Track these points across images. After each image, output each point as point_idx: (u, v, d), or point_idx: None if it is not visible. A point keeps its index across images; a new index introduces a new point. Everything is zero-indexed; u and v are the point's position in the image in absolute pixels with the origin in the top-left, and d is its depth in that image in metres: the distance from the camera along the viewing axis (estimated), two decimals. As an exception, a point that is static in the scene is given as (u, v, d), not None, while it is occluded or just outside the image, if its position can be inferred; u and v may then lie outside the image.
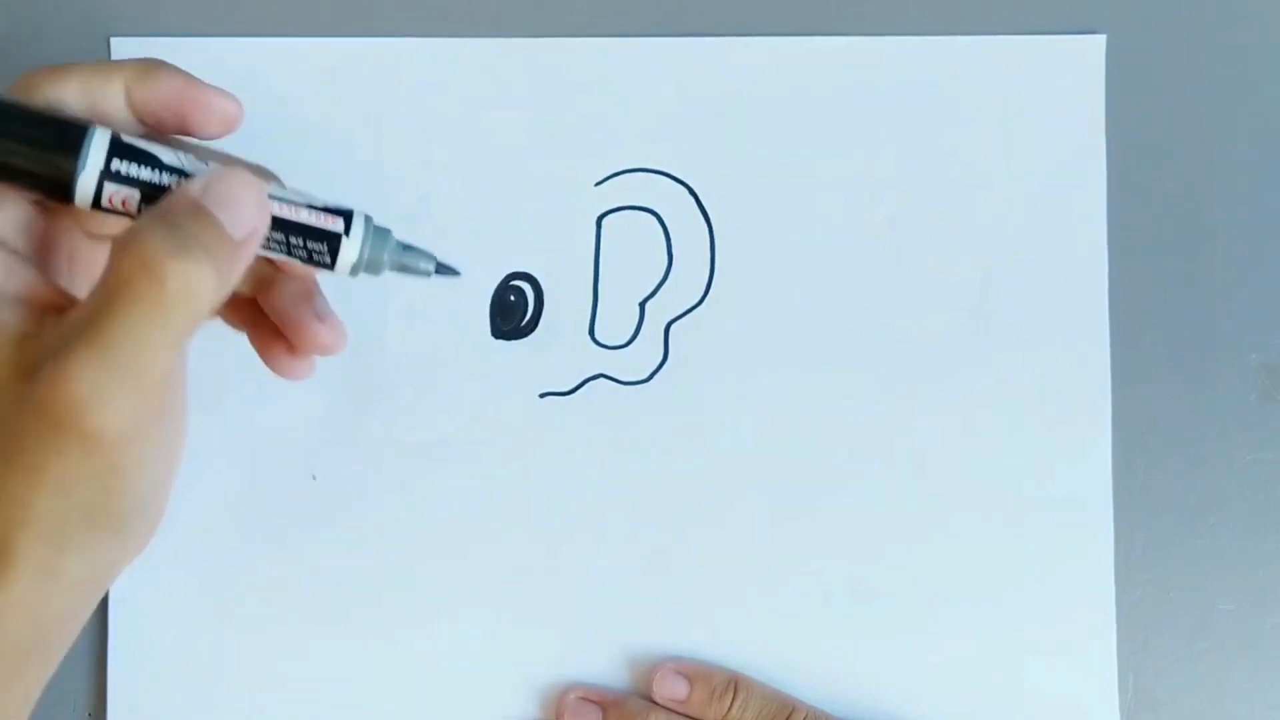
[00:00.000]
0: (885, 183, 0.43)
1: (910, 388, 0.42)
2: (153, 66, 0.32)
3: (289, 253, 0.32)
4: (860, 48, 0.43)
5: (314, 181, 0.42)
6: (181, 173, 0.31)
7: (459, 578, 0.42)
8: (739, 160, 0.43)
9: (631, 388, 0.42)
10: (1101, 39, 0.43)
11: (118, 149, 0.30)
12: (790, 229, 0.43)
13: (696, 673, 0.41)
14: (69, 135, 0.30)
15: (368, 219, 0.33)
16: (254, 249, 0.31)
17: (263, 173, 0.33)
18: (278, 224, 0.32)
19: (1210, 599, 0.42)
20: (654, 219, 0.43)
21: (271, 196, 0.31)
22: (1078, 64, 0.43)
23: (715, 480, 0.42)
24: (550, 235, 0.43)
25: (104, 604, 0.41)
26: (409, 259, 0.34)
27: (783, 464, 0.42)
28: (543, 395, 0.42)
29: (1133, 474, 0.42)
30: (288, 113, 0.42)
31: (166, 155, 0.31)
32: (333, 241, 0.33)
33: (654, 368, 0.43)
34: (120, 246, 0.28)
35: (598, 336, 0.43)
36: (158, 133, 0.33)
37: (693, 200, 0.43)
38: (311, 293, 0.35)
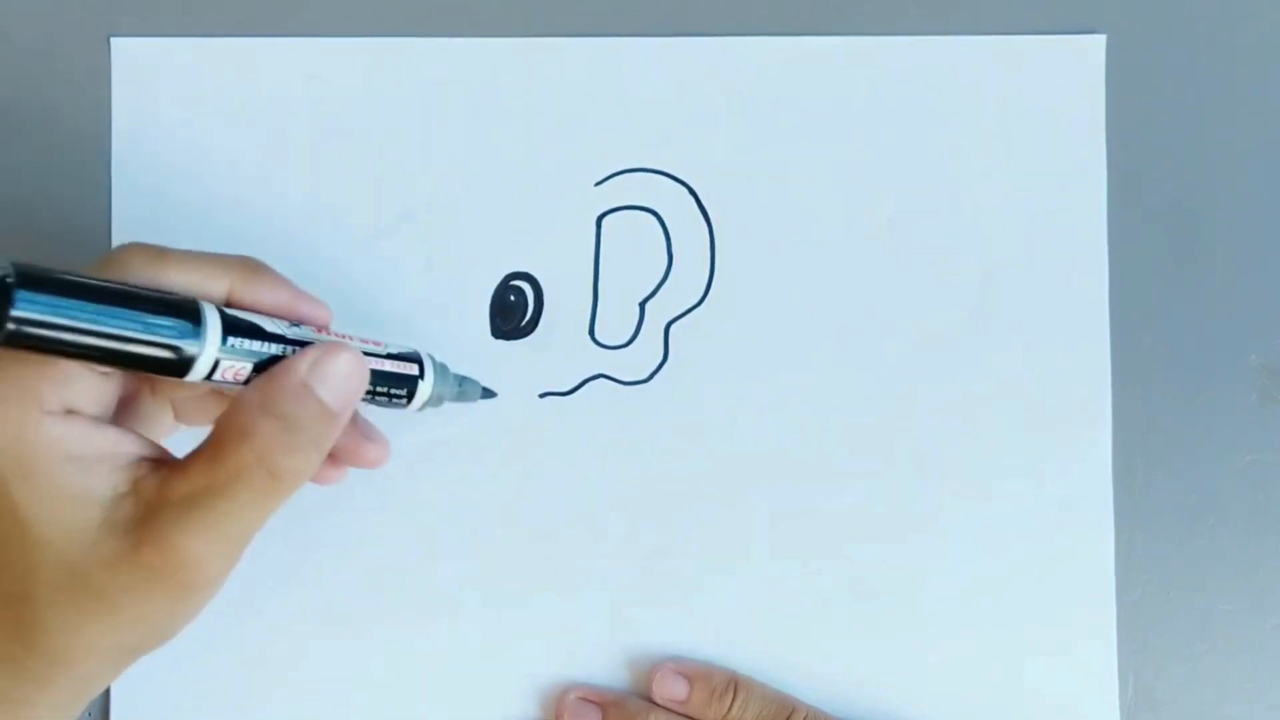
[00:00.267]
0: (885, 183, 0.43)
1: (910, 388, 0.42)
2: (254, 272, 0.33)
3: (372, 399, 0.35)
4: (860, 48, 0.43)
5: (314, 181, 0.42)
6: (282, 339, 0.32)
7: (459, 578, 0.42)
8: (739, 160, 0.43)
9: (631, 388, 0.42)
10: (1101, 39, 0.43)
11: (228, 326, 0.31)
12: (790, 229, 0.43)
13: (696, 673, 0.41)
14: (185, 317, 0.30)
15: (433, 359, 0.36)
16: (350, 413, 0.32)
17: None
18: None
19: (1210, 599, 0.42)
20: (654, 219, 0.43)
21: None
22: (1078, 64, 0.43)
23: (715, 480, 0.42)
24: (550, 235, 0.43)
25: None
26: (465, 389, 0.38)
27: (782, 464, 0.42)
28: (543, 395, 0.42)
29: (1133, 474, 0.42)
30: (288, 113, 0.42)
31: (268, 324, 0.32)
32: (411, 385, 0.35)
33: (654, 368, 0.43)
34: (236, 434, 0.30)
35: (598, 336, 0.43)
36: None
37: (693, 200, 0.43)
38: (357, 415, 0.36)
